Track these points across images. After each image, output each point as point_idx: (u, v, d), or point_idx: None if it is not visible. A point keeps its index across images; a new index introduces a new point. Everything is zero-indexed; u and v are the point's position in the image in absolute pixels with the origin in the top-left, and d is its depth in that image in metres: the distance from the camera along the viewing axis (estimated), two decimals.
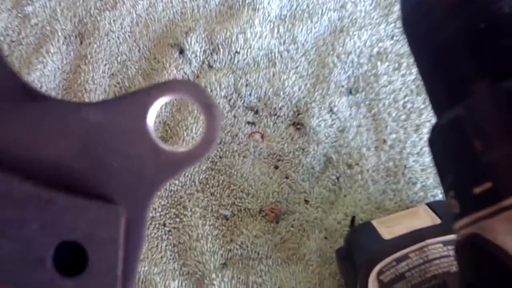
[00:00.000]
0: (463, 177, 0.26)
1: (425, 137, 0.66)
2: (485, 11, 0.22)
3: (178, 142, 0.66)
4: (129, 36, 0.74)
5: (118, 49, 0.73)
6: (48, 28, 0.76)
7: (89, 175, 0.19)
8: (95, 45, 0.73)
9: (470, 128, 0.24)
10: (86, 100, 0.69)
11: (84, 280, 0.20)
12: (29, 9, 0.77)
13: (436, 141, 0.29)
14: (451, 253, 0.50)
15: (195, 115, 0.68)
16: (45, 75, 0.73)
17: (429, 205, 0.58)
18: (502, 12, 0.21)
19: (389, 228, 0.59)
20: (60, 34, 0.75)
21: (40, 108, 0.19)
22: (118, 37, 0.74)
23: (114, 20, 0.75)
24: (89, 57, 0.72)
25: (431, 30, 0.24)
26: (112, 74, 0.72)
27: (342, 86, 0.69)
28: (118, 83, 0.71)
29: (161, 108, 0.69)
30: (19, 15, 0.77)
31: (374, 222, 0.59)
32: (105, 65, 0.72)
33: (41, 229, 0.19)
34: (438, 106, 0.29)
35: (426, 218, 0.56)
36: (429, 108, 0.62)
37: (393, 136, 0.66)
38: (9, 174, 0.18)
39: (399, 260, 0.51)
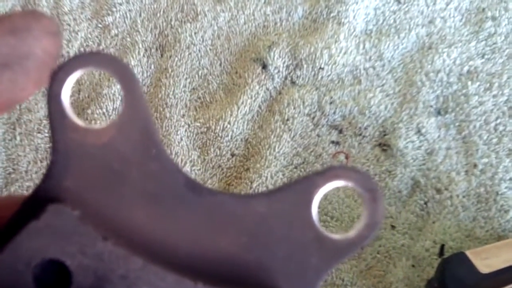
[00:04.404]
0: None
1: None
2: None
3: (261, 161, 0.65)
4: (210, 49, 0.73)
5: (199, 63, 0.72)
6: (128, 39, 0.75)
7: (255, 267, 0.19)
8: (176, 58, 0.72)
9: None
10: (168, 115, 0.68)
11: None
12: (109, 19, 0.76)
13: None
14: None
15: (278, 134, 0.66)
16: None
17: None
18: None
19: (485, 260, 0.56)
20: (140, 46, 0.74)
21: (207, 202, 0.19)
22: (199, 50, 0.73)
23: (195, 33, 0.74)
24: (170, 70, 0.71)
25: None
26: (193, 89, 0.71)
27: (431, 106, 0.67)
28: (199, 98, 0.70)
29: (243, 125, 0.68)
30: (99, 25, 0.76)
31: (468, 253, 0.57)
32: (186, 79, 0.71)
33: None
34: None
35: None
36: None
37: (485, 160, 0.64)
38: (181, 274, 0.18)
39: None
